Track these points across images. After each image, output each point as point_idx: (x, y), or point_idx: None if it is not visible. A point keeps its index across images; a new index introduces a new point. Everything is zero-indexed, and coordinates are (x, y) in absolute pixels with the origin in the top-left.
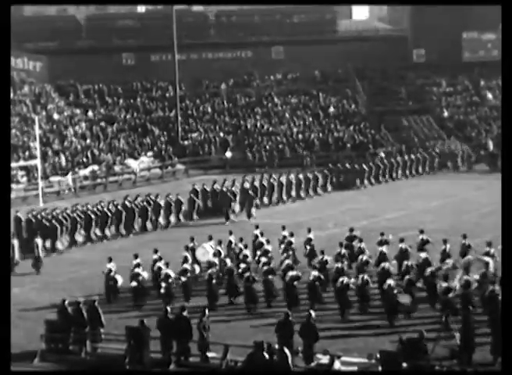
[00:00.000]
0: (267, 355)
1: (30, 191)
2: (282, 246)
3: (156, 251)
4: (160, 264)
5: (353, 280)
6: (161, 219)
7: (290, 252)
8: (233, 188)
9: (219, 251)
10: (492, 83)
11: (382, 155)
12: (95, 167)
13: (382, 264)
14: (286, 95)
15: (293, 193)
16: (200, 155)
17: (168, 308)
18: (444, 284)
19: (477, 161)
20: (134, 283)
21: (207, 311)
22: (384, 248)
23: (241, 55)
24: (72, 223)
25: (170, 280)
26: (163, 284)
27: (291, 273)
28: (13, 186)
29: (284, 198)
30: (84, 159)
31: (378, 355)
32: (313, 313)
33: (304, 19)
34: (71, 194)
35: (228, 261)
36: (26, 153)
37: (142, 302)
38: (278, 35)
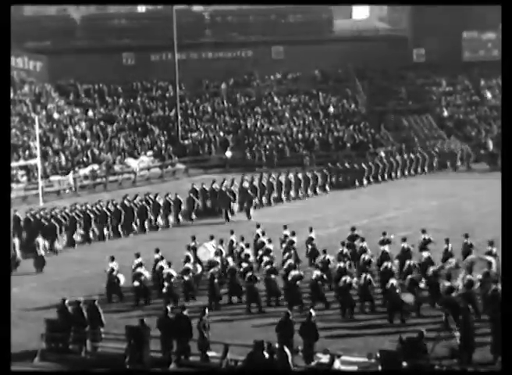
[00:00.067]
0: (267, 355)
1: (30, 190)
2: (284, 245)
3: (158, 251)
4: (162, 263)
5: (355, 279)
6: (160, 219)
7: (292, 252)
8: (232, 188)
9: (221, 250)
10: (492, 82)
11: (382, 154)
12: (95, 166)
13: (385, 263)
14: (286, 95)
15: (293, 192)
16: (200, 154)
17: (169, 308)
18: (447, 284)
19: (477, 160)
20: (137, 283)
21: (207, 310)
22: (386, 248)
23: (241, 54)
24: (71, 222)
25: (172, 280)
26: (165, 284)
27: (293, 273)
28: (13, 185)
29: (283, 197)
30: (84, 159)
31: (378, 355)
32: (313, 312)
33: (300, 19)
34: (71, 194)
35: (230, 260)
36: (26, 152)
37: (144, 302)
38: (274, 35)
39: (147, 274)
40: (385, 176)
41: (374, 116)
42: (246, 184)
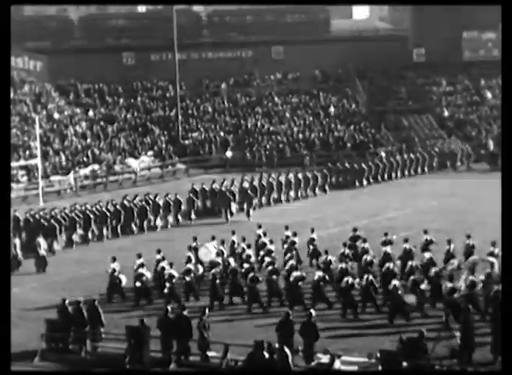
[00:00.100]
0: (267, 355)
1: (30, 190)
2: (285, 246)
3: (159, 252)
4: (163, 264)
5: (357, 280)
6: (159, 219)
7: (294, 252)
8: (232, 188)
9: (222, 250)
10: (492, 82)
11: (383, 154)
12: (95, 166)
13: (387, 264)
14: (287, 95)
15: (292, 193)
16: (200, 154)
17: (169, 308)
18: (449, 285)
19: (477, 160)
20: (138, 284)
21: (207, 310)
22: (388, 249)
23: (241, 54)
24: (71, 222)
25: (174, 281)
26: (167, 284)
27: (295, 274)
28: (13, 185)
29: (282, 197)
30: (85, 159)
31: (378, 355)
32: (313, 312)
33: (297, 18)
34: (71, 194)
35: (231, 261)
36: (27, 152)
37: (146, 302)
38: (273, 35)
39: (148, 275)
40: (385, 176)
41: (374, 115)
42: (246, 184)
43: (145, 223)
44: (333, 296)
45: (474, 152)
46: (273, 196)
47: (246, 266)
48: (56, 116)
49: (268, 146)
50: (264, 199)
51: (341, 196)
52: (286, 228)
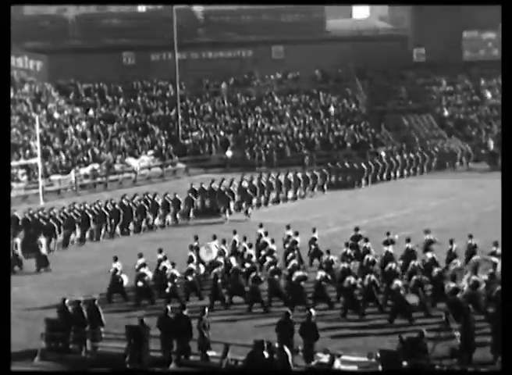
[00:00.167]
0: (267, 354)
1: (30, 189)
2: (287, 246)
3: (161, 251)
4: (165, 264)
5: (360, 279)
6: (158, 219)
7: (296, 252)
8: (231, 187)
9: (223, 250)
10: (492, 82)
11: (383, 154)
12: (96, 166)
13: (389, 264)
14: (287, 94)
15: (292, 192)
16: (200, 154)
17: (169, 307)
18: (452, 285)
19: (477, 160)
20: (140, 283)
21: (207, 310)
22: (390, 248)
23: (241, 54)
24: (70, 222)
25: (176, 280)
26: (169, 284)
27: (298, 274)
28: (14, 185)
29: (281, 197)
30: (85, 158)
31: (378, 354)
32: (313, 312)
33: (291, 18)
34: (72, 193)
35: (233, 260)
36: (27, 152)
37: (148, 302)
38: (272, 35)
39: (150, 274)
40: (385, 176)
41: (374, 115)
42: (245, 184)
43: (144, 222)
44: (334, 296)
45: (474, 152)
46: (272, 196)
47: (247, 265)
48: (56, 115)
49: (268, 146)
50: (263, 199)
51: (341, 196)
52: (288, 228)
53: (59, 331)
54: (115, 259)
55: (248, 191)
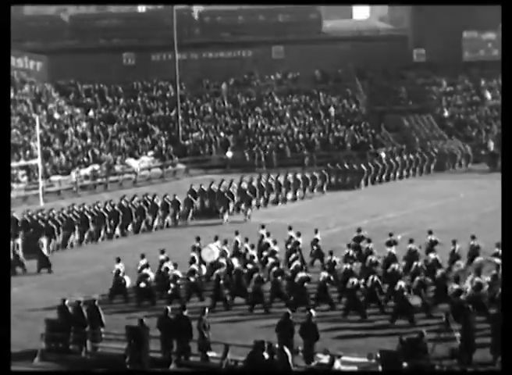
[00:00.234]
0: (266, 355)
1: (30, 190)
2: (289, 246)
3: (163, 252)
4: (167, 265)
5: (362, 280)
6: (157, 220)
7: (298, 253)
8: (231, 189)
9: (225, 251)
10: (492, 82)
11: (383, 154)
12: (96, 167)
13: (392, 265)
14: (287, 95)
15: (291, 193)
16: (200, 154)
17: (169, 308)
18: (455, 286)
19: (477, 161)
20: (143, 284)
21: (206, 310)
22: (393, 249)
23: (241, 54)
24: (69, 223)
25: (178, 281)
26: (171, 285)
27: (301, 275)
28: (14, 185)
29: (280, 198)
30: (85, 159)
31: (378, 355)
32: (313, 313)
33: (288, 18)
34: (72, 194)
35: (235, 261)
36: (27, 152)
37: (150, 303)
38: (270, 35)
39: (152, 275)
40: (385, 176)
41: (374, 116)
42: (244, 185)
43: (143, 223)
44: (336, 297)
45: (474, 153)
46: (272, 197)
47: (249, 266)
48: (56, 116)
49: (268, 146)
50: (262, 200)
51: (340, 197)
52: (290, 228)
53: (59, 332)
54: (118, 260)
55: (247, 192)
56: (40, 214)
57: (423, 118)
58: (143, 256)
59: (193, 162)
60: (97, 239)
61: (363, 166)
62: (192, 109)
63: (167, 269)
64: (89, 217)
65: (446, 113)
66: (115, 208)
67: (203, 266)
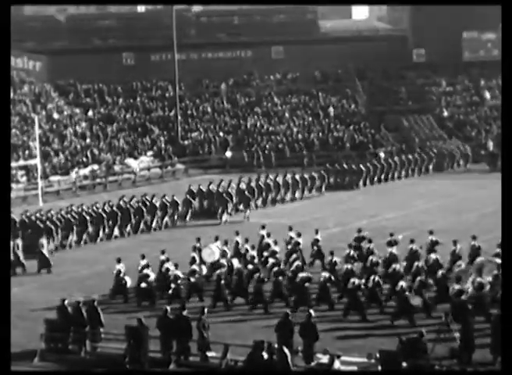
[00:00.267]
0: (266, 355)
1: (29, 190)
2: (289, 247)
3: (163, 252)
4: (168, 265)
5: (364, 281)
6: (156, 220)
7: (299, 253)
8: (229, 189)
9: (225, 251)
10: (492, 83)
11: (382, 155)
12: (95, 167)
13: (393, 265)
14: (286, 95)
15: (290, 193)
16: (200, 154)
17: (168, 308)
18: (457, 287)
19: (477, 161)
20: (144, 285)
21: (206, 310)
22: (394, 249)
23: (241, 54)
24: (67, 224)
25: (179, 281)
26: (172, 285)
27: (302, 275)
28: (13, 185)
29: (278, 198)
30: (84, 159)
31: (377, 355)
32: (313, 313)
33: (283, 19)
34: (71, 194)
35: (235, 262)
36: (26, 153)
37: (150, 303)
38: (269, 35)
39: (153, 276)
40: (384, 177)
41: (374, 116)
42: (243, 185)
43: (141, 224)
44: (336, 297)
45: (473, 153)
46: (271, 197)
47: (250, 267)
48: (56, 116)
49: (267, 146)
50: (261, 200)
51: (339, 197)
52: (290, 229)
53: (59, 332)
54: (119, 261)
55: (246, 192)
56: (38, 215)
57: (423, 118)
58: (143, 256)
59: (192, 162)
60: (95, 240)
61: (362, 166)
62: (191, 109)
63: (168, 269)
64: (87, 218)
65: (446, 113)
66: (114, 208)
67: (203, 267)
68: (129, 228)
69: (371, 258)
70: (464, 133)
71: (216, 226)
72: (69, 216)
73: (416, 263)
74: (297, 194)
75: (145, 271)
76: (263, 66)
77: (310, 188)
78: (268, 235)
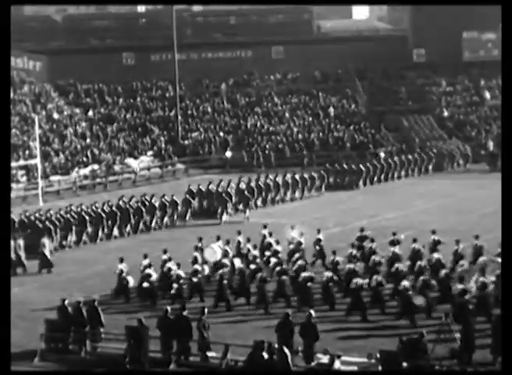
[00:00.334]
0: (266, 355)
1: (29, 190)
2: (291, 246)
3: (165, 252)
4: (170, 264)
5: (367, 280)
6: (155, 220)
7: (301, 253)
8: (229, 189)
9: (227, 251)
10: (492, 83)
11: (382, 155)
12: (95, 167)
13: (396, 265)
14: (286, 95)
15: (289, 193)
16: (200, 154)
17: (169, 308)
18: (460, 286)
19: (477, 161)
20: (146, 284)
21: (206, 310)
22: (396, 249)
23: (241, 54)
24: (66, 224)
25: (181, 281)
26: (174, 285)
27: (304, 274)
28: (13, 185)
29: (277, 198)
30: (84, 159)
31: (378, 355)
32: (313, 313)
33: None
34: (71, 194)
35: (237, 261)
36: (26, 152)
37: (151, 303)
38: (270, 35)
39: (155, 275)
40: (384, 177)
41: (374, 116)
42: (242, 185)
43: (141, 224)
44: (339, 297)
45: (473, 153)
46: (270, 197)
47: (252, 266)
48: (56, 116)
49: (267, 146)
50: (260, 200)
51: (339, 197)
52: (292, 228)
53: (59, 332)
54: (121, 260)
55: (246, 192)
56: (37, 214)
57: (423, 118)
58: (145, 256)
59: (192, 162)
60: (95, 240)
61: (362, 166)
62: (191, 109)
63: (170, 269)
64: (86, 218)
65: (446, 113)
66: (113, 208)
67: (205, 266)
68: (128, 228)
69: (373, 257)
70: (464, 133)
71: (216, 225)
72: (68, 215)
73: (418, 263)
74: (297, 194)
75: (147, 271)
76: (263, 66)
77: (309, 188)
78: (270, 234)
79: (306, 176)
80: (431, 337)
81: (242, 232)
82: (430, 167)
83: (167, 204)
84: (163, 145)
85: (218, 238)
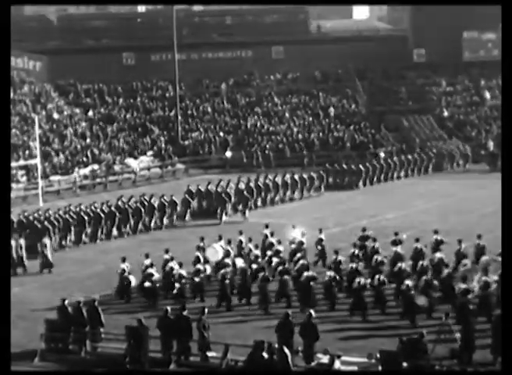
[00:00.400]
0: (266, 355)
1: (29, 190)
2: (293, 246)
3: (167, 251)
4: (172, 264)
5: (369, 280)
6: (154, 220)
7: (303, 252)
8: (228, 189)
9: (229, 251)
10: (492, 83)
11: (382, 155)
12: (95, 166)
13: (399, 264)
14: (286, 95)
15: (289, 193)
16: (200, 154)
17: (169, 308)
18: (463, 286)
19: (477, 161)
20: (148, 284)
21: (206, 310)
22: (399, 248)
23: (241, 54)
24: (65, 224)
25: (183, 281)
26: (176, 285)
27: (307, 274)
28: (13, 185)
29: (278, 198)
30: (84, 159)
31: (378, 355)
32: (313, 313)
33: (276, 19)
34: (71, 194)
35: (239, 261)
36: (26, 152)
37: (153, 302)
38: (270, 35)
39: (157, 275)
40: (384, 177)
41: (374, 116)
42: (242, 185)
43: (140, 224)
44: (342, 296)
45: (473, 153)
46: (269, 197)
47: (254, 266)
48: (56, 116)
49: (267, 146)
50: (260, 200)
51: (339, 197)
52: (293, 228)
53: (59, 332)
54: (123, 260)
55: (245, 192)
56: (36, 215)
57: (423, 118)
58: (147, 256)
59: (192, 162)
60: (94, 240)
61: (361, 166)
62: (191, 109)
63: (172, 268)
64: (85, 218)
65: (446, 113)
66: (112, 208)
67: (207, 266)
68: (127, 228)
69: (375, 257)
70: (464, 133)
71: (216, 225)
72: (67, 215)
73: (421, 262)
74: (297, 194)
75: (149, 270)
76: (263, 66)
77: (309, 188)
78: (272, 234)
79: (305, 176)
80: (431, 337)
81: (245, 232)
82: (430, 167)
83: (166, 204)
84: (163, 145)
85: (220, 238)
